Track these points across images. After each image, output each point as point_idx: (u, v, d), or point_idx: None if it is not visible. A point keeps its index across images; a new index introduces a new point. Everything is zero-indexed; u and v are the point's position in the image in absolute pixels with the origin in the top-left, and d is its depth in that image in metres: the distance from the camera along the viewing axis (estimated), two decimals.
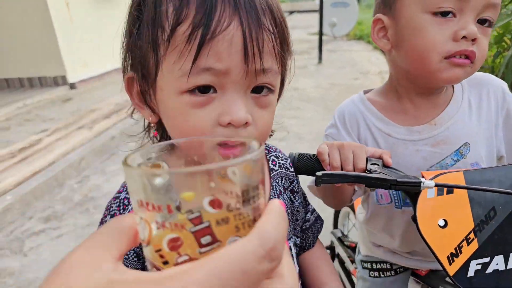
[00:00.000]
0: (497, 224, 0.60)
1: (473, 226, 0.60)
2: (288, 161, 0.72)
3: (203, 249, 0.22)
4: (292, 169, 0.71)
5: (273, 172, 0.67)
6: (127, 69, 0.53)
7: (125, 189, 0.57)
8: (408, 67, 0.75)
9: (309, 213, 0.76)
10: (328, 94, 4.95)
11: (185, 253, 0.22)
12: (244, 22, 0.41)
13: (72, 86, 5.51)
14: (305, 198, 0.77)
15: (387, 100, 0.83)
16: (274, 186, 0.65)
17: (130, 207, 0.54)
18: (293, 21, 12.63)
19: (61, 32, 5.24)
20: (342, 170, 0.68)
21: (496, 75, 3.44)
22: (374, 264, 1.01)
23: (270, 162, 0.68)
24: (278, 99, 0.58)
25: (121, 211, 0.54)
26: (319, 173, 0.59)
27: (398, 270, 0.97)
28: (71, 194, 2.77)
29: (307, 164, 0.72)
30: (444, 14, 0.66)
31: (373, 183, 0.61)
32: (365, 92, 0.88)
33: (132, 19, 0.49)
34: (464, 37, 0.66)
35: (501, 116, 0.80)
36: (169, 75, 0.45)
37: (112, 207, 0.55)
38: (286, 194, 0.68)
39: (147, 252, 0.24)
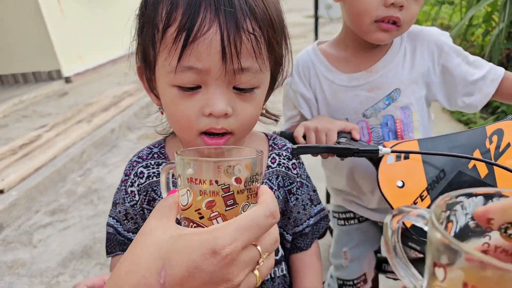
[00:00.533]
0: (446, 182, 0.70)
1: (426, 185, 0.71)
2: (291, 162, 0.71)
3: (227, 208, 0.37)
4: (295, 171, 0.70)
5: (268, 169, 0.68)
6: (137, 59, 0.60)
7: (134, 157, 0.69)
8: (348, 23, 0.87)
9: (312, 218, 0.74)
10: None
11: (216, 211, 0.37)
12: (223, 26, 0.46)
13: (68, 80, 5.50)
14: (311, 202, 0.74)
15: (336, 51, 0.93)
16: (265, 183, 0.67)
17: (137, 168, 0.66)
18: (288, 4, 12.46)
19: (53, 25, 5.19)
20: None
21: (484, 54, 3.49)
22: (340, 214, 1.14)
23: (269, 159, 0.69)
24: (272, 90, 0.63)
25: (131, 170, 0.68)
26: (294, 146, 0.72)
27: (360, 218, 1.10)
28: (75, 187, 2.84)
29: (287, 140, 0.79)
30: None
31: (340, 153, 0.75)
32: (320, 43, 0.99)
33: (139, 16, 0.55)
34: (392, 4, 0.75)
35: (437, 67, 0.89)
36: (162, 69, 0.52)
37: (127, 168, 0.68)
38: (280, 192, 0.69)
39: (187, 213, 0.38)
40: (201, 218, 0.37)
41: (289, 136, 0.84)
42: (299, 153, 0.72)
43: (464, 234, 0.26)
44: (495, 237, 0.25)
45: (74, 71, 5.56)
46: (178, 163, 0.38)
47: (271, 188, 0.67)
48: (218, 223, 0.37)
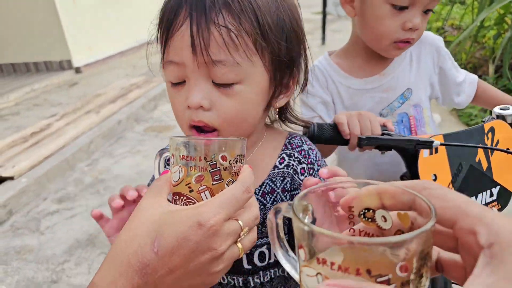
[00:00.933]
0: (463, 175, 0.77)
1: (451, 178, 0.76)
2: (301, 166, 0.66)
3: (214, 183, 0.42)
4: (302, 177, 0.65)
5: (274, 170, 0.64)
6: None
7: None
8: (364, 38, 0.94)
9: None
10: None
11: (204, 185, 0.42)
12: (193, 21, 0.48)
13: (78, 70, 5.57)
14: None
15: (347, 59, 1.01)
16: (267, 183, 0.64)
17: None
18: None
19: (65, 15, 5.25)
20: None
21: (495, 56, 3.43)
22: None
23: (278, 159, 0.65)
24: (284, 93, 0.60)
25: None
26: (363, 136, 0.73)
27: None
28: (82, 176, 2.91)
29: (327, 133, 0.77)
30: (401, 8, 0.83)
31: (404, 145, 0.75)
32: (330, 53, 1.06)
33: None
34: (410, 28, 0.84)
35: (436, 68, 1.01)
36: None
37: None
38: (285, 196, 0.65)
39: (179, 188, 0.43)
40: (191, 191, 0.42)
41: (328, 127, 0.79)
42: (368, 144, 0.72)
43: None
44: (359, 224, 0.29)
45: (84, 61, 5.63)
46: (171, 144, 0.44)
47: (273, 190, 0.64)
48: (205, 196, 0.43)
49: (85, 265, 2.00)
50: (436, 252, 0.28)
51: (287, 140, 0.68)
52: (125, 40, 6.46)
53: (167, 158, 0.48)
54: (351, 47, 1.01)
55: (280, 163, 0.65)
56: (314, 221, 0.31)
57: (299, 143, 0.68)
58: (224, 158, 0.42)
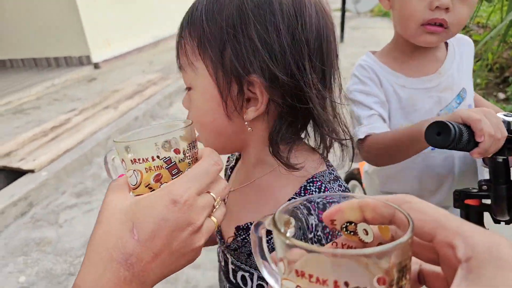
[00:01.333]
0: None
1: None
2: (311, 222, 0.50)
3: (174, 177, 0.41)
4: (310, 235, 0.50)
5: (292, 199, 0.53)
6: None
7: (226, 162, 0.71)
8: (397, 29, 0.90)
9: None
10: (350, 74, 4.88)
11: (164, 182, 0.41)
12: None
13: (96, 65, 5.67)
14: None
15: (393, 58, 0.96)
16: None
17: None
18: None
19: (85, 12, 5.35)
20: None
21: None
22: None
23: (302, 189, 0.52)
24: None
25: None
26: None
27: None
28: (100, 171, 2.96)
29: (465, 136, 0.65)
30: None
31: None
32: (373, 52, 1.01)
33: None
34: (437, 7, 0.78)
35: (470, 68, 0.98)
36: None
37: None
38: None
39: (139, 191, 0.41)
40: (153, 191, 0.41)
41: (462, 127, 0.66)
42: None
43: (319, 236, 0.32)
44: (341, 237, 0.29)
45: (102, 57, 5.73)
46: (118, 149, 0.43)
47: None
48: None
49: None
50: (418, 264, 0.28)
51: (304, 185, 0.53)
52: (142, 36, 6.54)
53: (116, 159, 0.46)
54: (393, 45, 0.97)
55: (300, 195, 0.53)
56: (295, 235, 0.31)
57: (314, 190, 0.53)
58: (177, 151, 0.41)
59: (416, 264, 0.28)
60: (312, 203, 0.31)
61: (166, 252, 0.36)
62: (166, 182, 0.41)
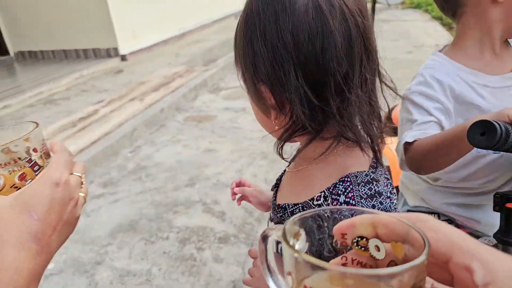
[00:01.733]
0: None
1: None
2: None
3: (37, 173, 0.47)
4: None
5: (310, 201, 0.55)
6: None
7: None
8: (506, 22, 0.84)
9: None
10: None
11: (29, 179, 0.47)
12: None
13: (123, 58, 5.77)
14: None
15: (469, 56, 0.90)
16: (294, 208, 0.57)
17: None
18: None
19: (113, 4, 5.43)
20: None
21: None
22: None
23: (318, 193, 0.53)
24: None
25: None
26: None
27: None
28: (125, 163, 3.00)
29: (505, 135, 0.62)
30: None
31: None
32: (441, 51, 0.94)
33: None
34: None
35: None
36: None
37: None
38: None
39: (5, 192, 0.45)
40: (34, 180, 0.47)
41: (506, 130, 0.63)
42: None
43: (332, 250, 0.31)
44: (351, 251, 0.28)
45: (129, 49, 5.82)
46: None
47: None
48: None
49: (126, 249, 2.07)
50: (430, 283, 0.28)
51: (336, 182, 0.53)
52: (169, 28, 6.58)
53: None
54: (471, 43, 0.90)
55: (317, 200, 0.54)
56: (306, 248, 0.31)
57: (341, 190, 0.52)
58: (34, 150, 0.47)
59: (428, 283, 0.28)
60: (323, 216, 0.31)
61: (61, 224, 0.44)
62: (32, 179, 0.47)
